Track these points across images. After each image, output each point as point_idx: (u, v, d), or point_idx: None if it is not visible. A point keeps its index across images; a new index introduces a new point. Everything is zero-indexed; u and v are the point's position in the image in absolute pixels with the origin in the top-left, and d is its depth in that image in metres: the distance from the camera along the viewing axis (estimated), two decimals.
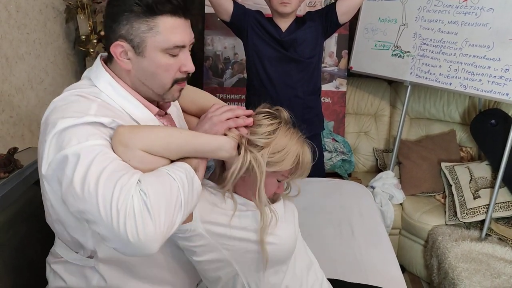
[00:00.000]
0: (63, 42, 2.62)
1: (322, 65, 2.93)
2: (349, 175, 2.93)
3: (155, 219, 0.86)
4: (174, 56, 1.08)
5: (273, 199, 1.22)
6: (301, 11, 2.32)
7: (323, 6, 2.48)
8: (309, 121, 2.25)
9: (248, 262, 1.13)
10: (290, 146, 1.11)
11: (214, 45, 2.97)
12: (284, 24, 2.17)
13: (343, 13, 2.12)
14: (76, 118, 0.96)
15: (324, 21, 2.17)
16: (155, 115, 1.16)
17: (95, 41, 2.57)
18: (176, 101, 1.24)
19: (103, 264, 1.13)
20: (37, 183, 1.40)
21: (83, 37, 2.58)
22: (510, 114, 2.41)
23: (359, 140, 3.06)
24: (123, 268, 1.14)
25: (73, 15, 2.56)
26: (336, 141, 2.91)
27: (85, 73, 1.18)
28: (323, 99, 2.96)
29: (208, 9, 2.91)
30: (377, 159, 2.99)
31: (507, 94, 2.17)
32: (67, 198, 0.92)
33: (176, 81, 1.11)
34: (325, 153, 2.86)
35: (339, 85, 2.97)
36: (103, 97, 1.07)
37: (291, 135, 1.13)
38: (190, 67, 1.12)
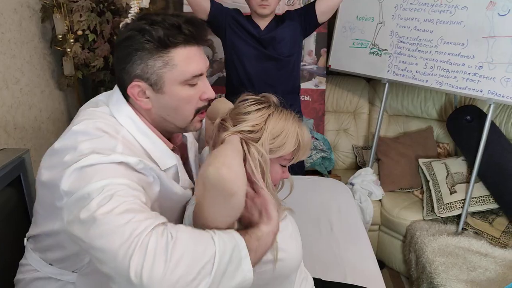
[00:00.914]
0: (39, 42, 2.58)
1: (302, 63, 2.95)
2: (329, 172, 2.95)
3: (169, 265, 0.76)
4: (193, 85, 1.06)
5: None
6: (280, 10, 2.33)
7: (302, 5, 2.50)
8: None
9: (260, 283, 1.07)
10: (287, 128, 1.09)
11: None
12: (263, 23, 2.18)
13: (322, 12, 2.14)
14: (103, 156, 0.91)
15: (303, 20, 2.18)
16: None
17: (72, 40, 2.54)
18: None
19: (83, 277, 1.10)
20: (11, 185, 1.38)
21: (60, 36, 2.54)
22: (485, 110, 2.46)
23: (339, 137, 3.08)
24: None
25: (49, 14, 2.53)
26: (316, 138, 2.92)
27: (102, 98, 1.14)
28: (302, 97, 2.98)
29: (187, 8, 2.90)
30: (356, 156, 3.02)
31: (481, 91, 2.21)
32: (80, 232, 0.84)
33: (198, 111, 1.09)
34: None
35: (318, 83, 2.99)
36: (123, 132, 1.03)
37: (285, 117, 1.11)
38: (211, 94, 1.10)
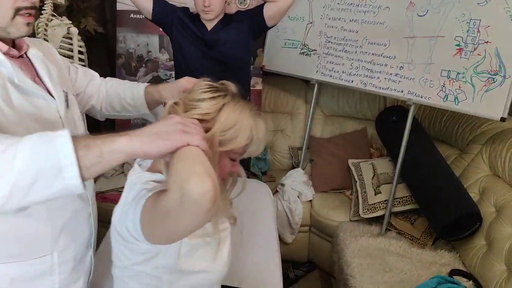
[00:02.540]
0: None
1: None
2: (264, 173, 2.93)
3: None
4: None
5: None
6: (233, 9, 2.29)
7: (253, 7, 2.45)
8: None
9: None
10: (242, 120, 1.01)
11: (126, 43, 2.90)
12: (209, 23, 2.13)
13: (270, 17, 2.10)
14: None
15: (252, 23, 2.14)
16: (5, 54, 1.04)
17: None
18: (47, 49, 1.18)
19: None
20: None
21: None
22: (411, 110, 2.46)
23: (276, 138, 3.06)
24: None
25: None
26: None
27: None
28: None
29: (120, 6, 2.85)
30: (292, 157, 3.00)
31: (402, 91, 2.22)
32: None
33: (18, 10, 1.00)
34: None
35: (254, 83, 2.96)
36: None
37: (241, 109, 1.03)
38: None
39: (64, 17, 2.12)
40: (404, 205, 2.32)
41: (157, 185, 0.95)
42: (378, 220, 2.38)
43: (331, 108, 2.98)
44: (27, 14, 1.02)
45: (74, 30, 2.09)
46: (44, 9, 2.08)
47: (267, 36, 2.83)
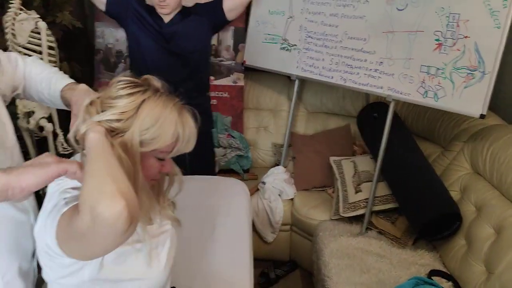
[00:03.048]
0: None
1: (219, 59, 2.87)
2: (247, 171, 2.87)
3: None
4: None
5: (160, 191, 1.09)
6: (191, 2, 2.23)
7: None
8: None
9: None
10: (164, 117, 0.94)
11: (105, 38, 2.83)
12: (166, 17, 2.08)
13: (230, 9, 2.06)
14: None
15: (212, 15, 2.09)
16: None
17: None
18: None
19: None
20: None
21: None
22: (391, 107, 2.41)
23: (259, 135, 3.00)
24: None
25: None
26: (232, 136, 2.84)
27: None
28: (220, 94, 2.89)
29: None
30: (275, 154, 2.94)
31: (381, 88, 2.16)
32: None
33: None
34: (220, 150, 2.79)
35: (236, 79, 2.90)
36: None
37: (163, 104, 0.95)
38: None
39: (32, 11, 2.06)
40: (384, 203, 2.27)
41: (75, 194, 0.89)
42: (359, 219, 2.33)
43: (314, 104, 2.93)
44: None
45: (42, 25, 2.02)
46: (12, 2, 2.01)
47: (247, 30, 2.77)
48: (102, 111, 0.93)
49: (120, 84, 0.96)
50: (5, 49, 2.43)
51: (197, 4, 2.19)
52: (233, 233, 1.84)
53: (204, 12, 2.11)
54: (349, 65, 2.27)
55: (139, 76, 2.15)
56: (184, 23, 2.08)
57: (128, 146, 0.90)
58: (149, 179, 1.01)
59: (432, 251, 2.09)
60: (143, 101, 0.94)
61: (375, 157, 2.38)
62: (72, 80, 1.27)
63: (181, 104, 1.01)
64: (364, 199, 2.29)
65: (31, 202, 1.17)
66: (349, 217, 2.34)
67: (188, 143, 1.00)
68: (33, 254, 1.20)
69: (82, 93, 1.12)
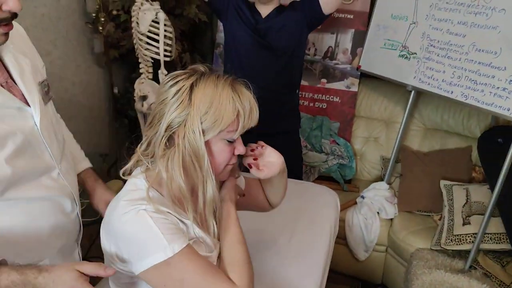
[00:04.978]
0: (79, 19, 2.70)
1: (334, 61, 2.77)
2: (348, 181, 2.73)
3: None
4: None
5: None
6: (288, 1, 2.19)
7: None
8: (282, 116, 2.13)
9: None
10: (218, 95, 0.91)
11: None
12: (264, 11, 2.07)
13: (326, 2, 1.97)
14: None
15: (307, 10, 2.03)
16: None
17: (102, 19, 2.64)
18: (18, 35, 1.12)
19: None
20: None
21: (93, 14, 2.65)
22: None
23: (367, 146, 2.83)
24: None
25: None
26: (337, 143, 2.72)
27: None
28: (331, 98, 2.79)
29: None
30: (382, 168, 2.75)
31: (509, 110, 1.87)
32: None
33: None
34: (321, 155, 2.69)
35: (350, 84, 2.77)
36: None
37: (213, 83, 0.92)
38: (15, 5, 0.92)
39: (155, 3, 2.19)
40: (496, 243, 1.97)
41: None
42: (462, 254, 2.06)
43: (433, 120, 2.66)
44: (4, 24, 0.96)
45: (162, 15, 2.14)
46: None
47: (367, 34, 2.62)
48: (159, 122, 0.94)
49: (167, 85, 0.95)
50: (130, 36, 2.64)
51: (293, 1, 2.13)
52: (310, 243, 1.74)
53: (299, 7, 2.06)
54: (473, 80, 2.01)
55: (232, 68, 2.17)
56: (280, 18, 2.05)
57: (191, 141, 0.91)
58: (224, 165, 1.00)
59: None
60: (191, 86, 0.92)
61: (492, 188, 2.08)
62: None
63: (231, 78, 0.96)
64: (472, 233, 2.02)
65: (75, 190, 1.21)
66: (451, 250, 2.08)
67: (251, 115, 0.96)
68: (78, 239, 1.27)
69: None
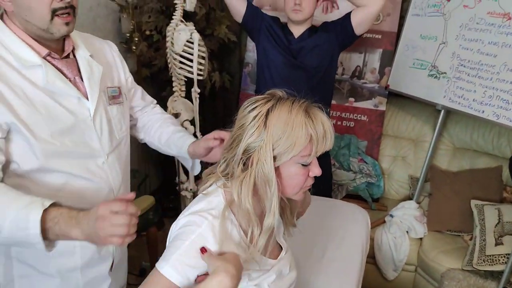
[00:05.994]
0: (114, 39, 2.80)
1: (362, 81, 2.80)
2: (376, 200, 2.73)
3: None
4: None
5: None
6: (319, 22, 2.24)
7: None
8: None
9: None
10: (292, 120, 0.92)
11: (254, 52, 2.95)
12: (297, 31, 2.12)
13: (358, 23, 2.01)
14: None
15: (340, 31, 2.07)
16: (46, 58, 1.15)
17: (136, 39, 2.73)
18: (100, 48, 1.33)
19: None
20: None
21: (127, 35, 2.75)
22: None
23: (395, 164, 2.82)
24: None
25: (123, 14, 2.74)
26: (365, 162, 2.73)
27: None
28: (359, 117, 2.81)
29: None
30: (411, 187, 2.73)
31: None
32: None
33: (55, 11, 1.09)
34: (349, 173, 2.70)
35: (378, 103, 2.78)
36: None
37: (287, 108, 0.93)
38: None
39: (190, 23, 2.25)
40: None
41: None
42: (495, 275, 2.04)
43: (463, 139, 2.65)
44: (64, 15, 1.10)
45: (196, 36, 2.20)
46: (175, 15, 2.24)
47: (395, 54, 2.64)
48: (237, 145, 0.97)
49: (247, 109, 0.97)
50: (162, 55, 2.71)
51: (325, 22, 2.17)
52: (343, 261, 1.75)
53: (332, 28, 2.09)
54: (505, 100, 2.01)
55: (266, 88, 2.22)
56: (312, 39, 2.09)
57: (263, 166, 0.93)
58: (299, 187, 1.00)
59: None
60: (268, 111, 0.94)
61: None
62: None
63: (306, 103, 0.97)
64: (505, 254, 2.00)
65: (115, 182, 1.31)
66: (484, 271, 2.06)
67: (325, 140, 0.95)
68: None
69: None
